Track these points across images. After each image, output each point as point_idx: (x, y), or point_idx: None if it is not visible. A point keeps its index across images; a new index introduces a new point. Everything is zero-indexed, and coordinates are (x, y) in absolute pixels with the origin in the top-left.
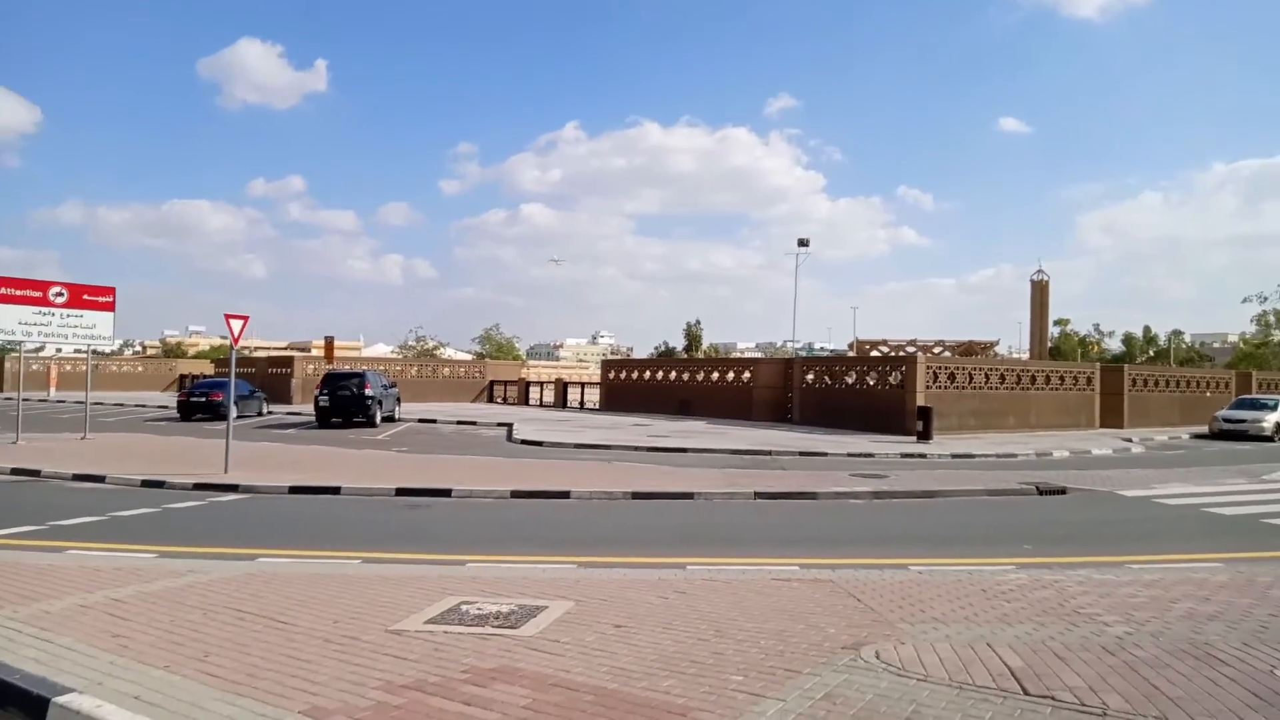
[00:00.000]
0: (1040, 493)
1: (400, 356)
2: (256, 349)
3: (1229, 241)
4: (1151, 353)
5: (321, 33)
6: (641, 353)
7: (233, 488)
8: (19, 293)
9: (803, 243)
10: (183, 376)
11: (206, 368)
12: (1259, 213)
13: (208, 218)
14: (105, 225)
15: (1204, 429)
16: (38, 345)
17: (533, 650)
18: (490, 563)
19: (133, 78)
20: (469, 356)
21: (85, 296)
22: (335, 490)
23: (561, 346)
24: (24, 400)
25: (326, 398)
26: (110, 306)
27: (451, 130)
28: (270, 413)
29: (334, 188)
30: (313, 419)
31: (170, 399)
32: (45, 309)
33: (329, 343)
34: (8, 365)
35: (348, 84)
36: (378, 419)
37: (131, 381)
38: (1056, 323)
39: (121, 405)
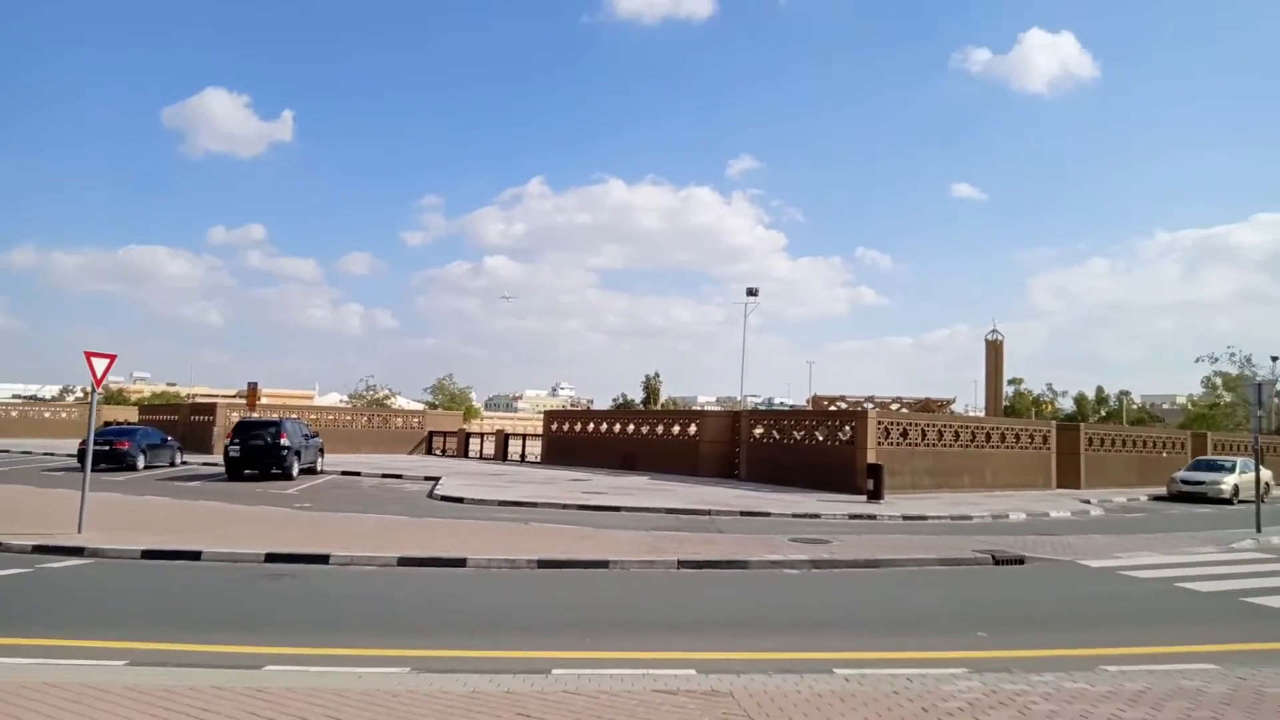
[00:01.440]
0: (997, 562)
1: (349, 405)
2: (202, 396)
3: (1174, 307)
4: (1103, 413)
5: (290, 83)
6: (601, 405)
7: (78, 551)
8: None
9: (751, 292)
10: (106, 424)
11: (135, 415)
12: (1201, 280)
13: (165, 264)
14: (58, 269)
15: (1162, 490)
16: None
17: None
18: (300, 662)
19: (95, 124)
20: (420, 406)
21: None
22: (195, 555)
23: (521, 398)
24: None
25: (237, 448)
26: None
27: (417, 182)
28: (185, 463)
29: (295, 236)
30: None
31: None
32: None
33: (252, 389)
34: None
35: (314, 134)
36: (294, 471)
37: (60, 428)
38: (1011, 382)
39: (29, 453)
